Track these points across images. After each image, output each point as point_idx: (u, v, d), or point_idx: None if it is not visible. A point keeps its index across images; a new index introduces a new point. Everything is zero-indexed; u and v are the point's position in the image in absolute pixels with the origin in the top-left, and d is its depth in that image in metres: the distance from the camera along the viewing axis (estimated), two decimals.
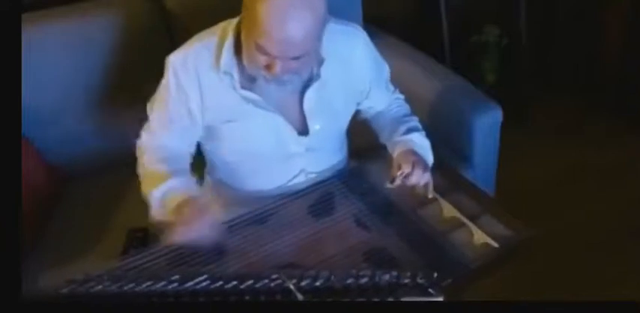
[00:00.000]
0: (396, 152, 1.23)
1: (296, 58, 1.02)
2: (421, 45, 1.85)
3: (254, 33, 0.99)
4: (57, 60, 1.52)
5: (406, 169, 1.15)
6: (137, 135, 1.25)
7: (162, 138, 1.21)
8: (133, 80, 1.61)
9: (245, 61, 1.08)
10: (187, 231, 1.04)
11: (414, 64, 1.72)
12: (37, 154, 1.52)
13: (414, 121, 1.31)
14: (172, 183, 1.13)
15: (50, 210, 1.52)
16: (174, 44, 1.62)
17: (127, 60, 1.58)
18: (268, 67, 1.03)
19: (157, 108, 1.21)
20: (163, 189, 1.12)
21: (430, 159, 1.25)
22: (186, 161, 1.23)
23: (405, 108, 1.35)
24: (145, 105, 1.24)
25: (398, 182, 1.15)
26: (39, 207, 1.46)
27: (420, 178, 1.16)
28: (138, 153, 1.22)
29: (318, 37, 1.03)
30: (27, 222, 1.38)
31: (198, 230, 1.04)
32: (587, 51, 2.50)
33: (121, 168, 1.62)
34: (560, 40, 2.56)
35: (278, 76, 1.05)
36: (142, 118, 1.24)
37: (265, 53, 1.01)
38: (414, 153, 1.21)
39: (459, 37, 2.34)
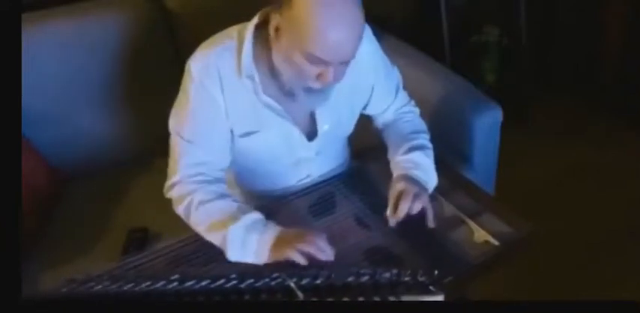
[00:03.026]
0: (394, 175, 1.20)
1: (345, 63, 1.02)
2: (421, 45, 1.84)
3: (304, 44, 0.97)
4: (57, 60, 1.52)
5: (391, 210, 1.12)
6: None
7: (202, 156, 1.12)
8: (134, 80, 1.61)
9: (286, 76, 1.05)
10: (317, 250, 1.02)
11: (414, 64, 1.71)
12: (37, 154, 1.52)
13: (421, 139, 1.25)
14: (249, 218, 1.07)
15: (50, 210, 1.52)
16: (174, 44, 1.63)
17: (127, 60, 1.58)
18: (320, 77, 1.01)
19: (187, 125, 1.11)
20: (243, 226, 1.05)
21: (431, 179, 1.19)
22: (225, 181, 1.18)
23: (414, 123, 1.31)
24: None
25: (392, 223, 1.12)
26: (39, 207, 1.46)
27: (409, 208, 1.11)
28: (178, 192, 1.12)
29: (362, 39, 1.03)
30: (27, 222, 1.38)
31: (321, 248, 1.03)
32: (587, 51, 2.50)
33: (120, 168, 1.64)
34: (560, 40, 2.56)
35: (330, 84, 1.04)
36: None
37: (319, 62, 0.99)
38: (406, 179, 1.15)
39: (459, 37, 2.34)
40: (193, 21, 1.62)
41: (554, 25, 2.55)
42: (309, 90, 1.06)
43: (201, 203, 1.09)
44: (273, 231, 1.06)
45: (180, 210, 1.12)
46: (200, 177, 1.12)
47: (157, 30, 1.61)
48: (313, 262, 1.02)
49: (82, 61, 1.55)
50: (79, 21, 1.53)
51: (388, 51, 1.31)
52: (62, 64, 1.53)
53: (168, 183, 1.14)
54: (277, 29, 1.01)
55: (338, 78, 1.04)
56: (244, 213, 1.08)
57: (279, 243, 1.04)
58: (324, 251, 1.02)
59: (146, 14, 1.59)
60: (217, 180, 1.14)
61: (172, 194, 1.13)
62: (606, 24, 2.38)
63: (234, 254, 1.06)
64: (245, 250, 1.05)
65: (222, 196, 1.11)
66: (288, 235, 1.05)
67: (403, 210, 1.10)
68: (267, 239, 1.05)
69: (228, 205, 1.10)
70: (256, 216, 1.08)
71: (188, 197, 1.10)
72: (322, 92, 1.08)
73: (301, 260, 1.01)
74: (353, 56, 1.02)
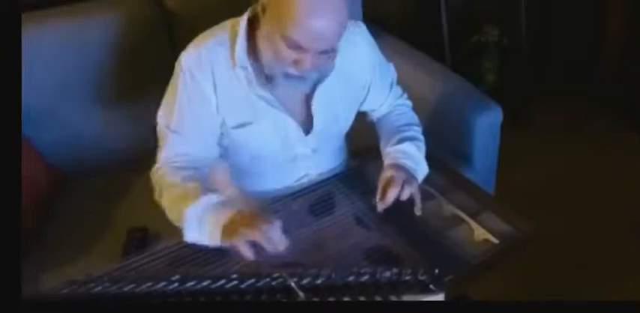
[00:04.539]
0: (384, 164, 1.21)
1: (325, 52, 1.01)
2: (421, 45, 1.85)
3: (284, 26, 0.97)
4: (57, 60, 1.52)
5: (379, 196, 1.13)
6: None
7: (185, 147, 1.14)
8: (133, 80, 1.61)
9: (266, 58, 1.05)
10: (268, 240, 1.00)
11: (414, 63, 1.72)
12: (37, 155, 1.51)
13: (412, 131, 1.26)
14: (209, 199, 1.06)
15: (50, 210, 1.52)
16: (174, 44, 1.63)
17: (127, 60, 1.58)
18: (297, 63, 1.01)
19: (174, 116, 1.13)
20: (200, 206, 1.05)
21: (421, 169, 1.21)
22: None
23: (407, 116, 1.32)
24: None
25: (380, 209, 1.14)
26: (39, 207, 1.46)
27: (398, 194, 1.12)
28: (155, 178, 1.14)
29: (344, 30, 1.02)
30: (27, 222, 1.38)
31: (273, 238, 1.00)
32: (587, 51, 2.50)
33: (120, 168, 1.63)
34: (560, 40, 2.56)
35: (306, 71, 1.03)
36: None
37: (296, 47, 0.98)
38: (395, 167, 1.16)
39: (459, 37, 2.34)
40: (193, 21, 1.61)
41: (554, 25, 2.55)
42: (287, 76, 1.05)
43: (166, 188, 1.11)
44: (228, 211, 1.05)
45: (156, 197, 1.13)
46: (175, 165, 1.13)
47: (157, 30, 1.61)
48: (263, 253, 1.01)
49: (82, 61, 1.55)
50: (79, 21, 1.53)
51: (387, 51, 1.31)
52: (62, 64, 1.53)
53: (151, 171, 1.16)
54: (264, 9, 1.02)
55: (315, 66, 1.03)
56: (204, 194, 1.07)
57: (231, 227, 1.02)
58: (273, 243, 1.00)
59: (146, 14, 1.59)
60: (193, 168, 1.14)
61: (153, 181, 1.15)
62: (606, 24, 2.38)
63: (191, 235, 1.06)
64: (201, 230, 1.05)
65: (185, 180, 1.10)
66: (241, 219, 1.03)
67: (391, 195, 1.11)
68: (220, 220, 1.04)
69: (189, 188, 1.09)
70: (215, 197, 1.07)
71: (157, 186, 1.13)
72: (302, 79, 1.07)
73: (245, 251, 1.00)
74: (332, 46, 1.01)
